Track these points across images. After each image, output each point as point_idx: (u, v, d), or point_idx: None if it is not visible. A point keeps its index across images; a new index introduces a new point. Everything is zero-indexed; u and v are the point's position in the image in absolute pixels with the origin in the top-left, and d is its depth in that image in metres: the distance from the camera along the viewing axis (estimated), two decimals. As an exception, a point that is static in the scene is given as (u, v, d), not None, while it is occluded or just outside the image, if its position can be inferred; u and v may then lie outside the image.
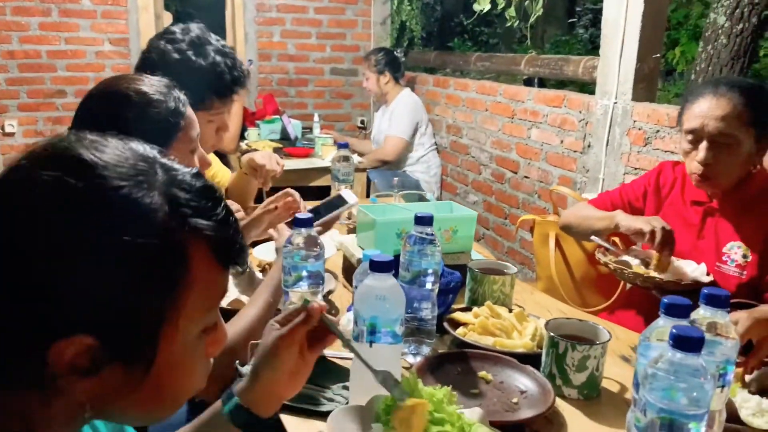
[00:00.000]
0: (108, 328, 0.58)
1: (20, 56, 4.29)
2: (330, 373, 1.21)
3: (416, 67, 5.02)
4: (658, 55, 2.78)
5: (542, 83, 4.67)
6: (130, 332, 0.60)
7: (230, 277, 1.63)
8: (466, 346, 1.39)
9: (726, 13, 3.53)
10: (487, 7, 3.70)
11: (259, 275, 1.69)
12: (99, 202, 0.58)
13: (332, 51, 5.07)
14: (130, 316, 0.59)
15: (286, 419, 1.14)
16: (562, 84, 4.70)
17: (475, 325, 1.45)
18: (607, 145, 2.89)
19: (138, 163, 0.62)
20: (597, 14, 3.70)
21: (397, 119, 4.10)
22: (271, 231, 1.61)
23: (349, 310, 1.46)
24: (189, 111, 1.37)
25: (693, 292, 1.18)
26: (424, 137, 4.21)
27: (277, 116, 4.25)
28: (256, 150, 2.20)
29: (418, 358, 1.34)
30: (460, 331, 1.44)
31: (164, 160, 0.66)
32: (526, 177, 3.56)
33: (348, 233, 2.13)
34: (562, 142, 3.24)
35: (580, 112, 3.09)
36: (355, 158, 3.76)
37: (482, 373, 1.29)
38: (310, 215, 1.29)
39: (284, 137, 4.16)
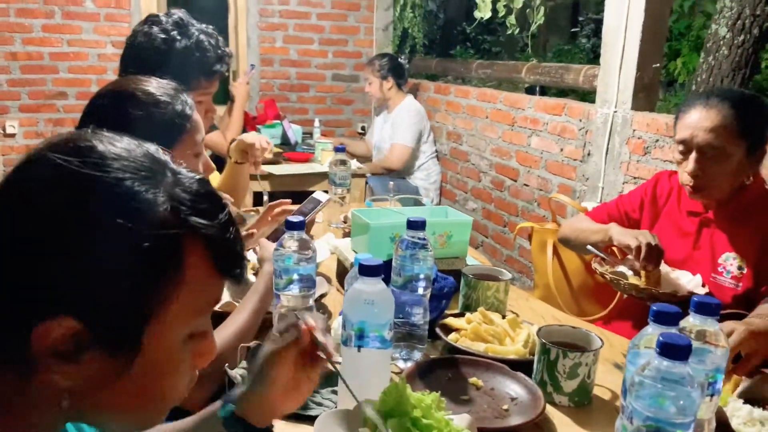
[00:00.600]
0: (94, 313, 0.58)
1: (23, 57, 4.30)
2: (319, 378, 1.20)
3: (418, 74, 5.03)
4: (658, 64, 2.78)
5: (544, 92, 4.67)
6: (116, 321, 0.59)
7: (223, 280, 1.64)
8: (457, 352, 1.38)
9: (727, 25, 3.53)
10: (488, 14, 3.71)
11: (254, 279, 1.68)
12: (100, 188, 0.60)
13: (334, 57, 5.08)
14: (118, 305, 0.59)
15: (275, 422, 1.13)
16: (563, 93, 4.70)
17: (467, 330, 1.44)
18: (606, 153, 2.89)
19: (148, 162, 0.64)
20: (599, 24, 3.70)
21: (401, 127, 4.10)
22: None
23: (341, 314, 1.45)
24: (195, 116, 1.39)
25: (688, 303, 1.17)
26: (426, 145, 4.21)
27: (278, 121, 4.26)
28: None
29: (409, 364, 1.33)
30: (452, 337, 1.43)
31: (174, 166, 0.67)
32: (525, 185, 3.56)
33: (343, 237, 2.13)
34: (561, 150, 3.23)
35: (581, 120, 3.09)
36: (354, 163, 3.77)
37: (473, 380, 1.29)
38: (302, 218, 1.28)
39: (285, 142, 4.17)
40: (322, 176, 3.49)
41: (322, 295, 1.55)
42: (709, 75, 3.57)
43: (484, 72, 4.19)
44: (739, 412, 1.16)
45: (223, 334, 1.22)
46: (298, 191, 3.08)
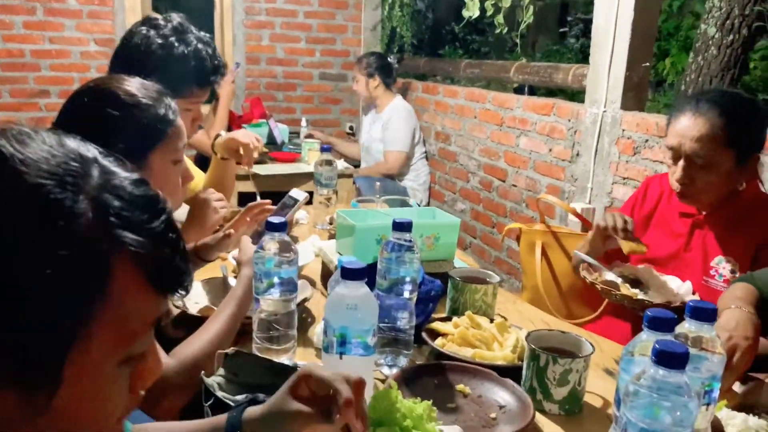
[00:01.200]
0: (4, 350, 0.51)
1: (3, 55, 4.22)
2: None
3: (406, 73, 4.99)
4: (648, 63, 2.76)
5: (533, 91, 4.64)
6: (30, 354, 0.52)
7: (201, 285, 1.58)
8: (444, 358, 1.33)
9: (717, 24, 3.52)
10: (477, 13, 3.67)
11: (234, 283, 1.63)
12: (8, 199, 0.52)
13: (321, 56, 5.03)
14: (31, 335, 0.51)
15: None
16: (552, 93, 4.68)
17: (454, 335, 1.40)
18: (595, 154, 2.86)
19: (69, 162, 0.55)
20: (588, 24, 3.68)
21: (394, 132, 4.05)
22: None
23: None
24: (179, 122, 1.35)
25: (682, 312, 1.14)
26: (416, 146, 4.17)
27: (264, 120, 4.20)
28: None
29: (395, 370, 1.28)
30: (438, 342, 1.39)
31: (105, 162, 0.59)
32: (514, 185, 3.52)
33: (329, 239, 2.08)
34: (550, 150, 3.20)
35: (569, 120, 3.06)
36: (341, 163, 3.72)
37: (460, 386, 1.24)
38: (283, 219, 1.24)
39: (271, 141, 4.11)
40: (309, 176, 3.43)
41: (305, 300, 1.50)
42: (698, 75, 3.57)
43: (473, 72, 4.15)
44: (733, 420, 1.13)
45: (199, 341, 1.17)
46: (285, 192, 3.02)
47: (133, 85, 1.29)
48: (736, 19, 3.41)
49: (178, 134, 1.35)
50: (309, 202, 2.47)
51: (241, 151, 2.03)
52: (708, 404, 0.94)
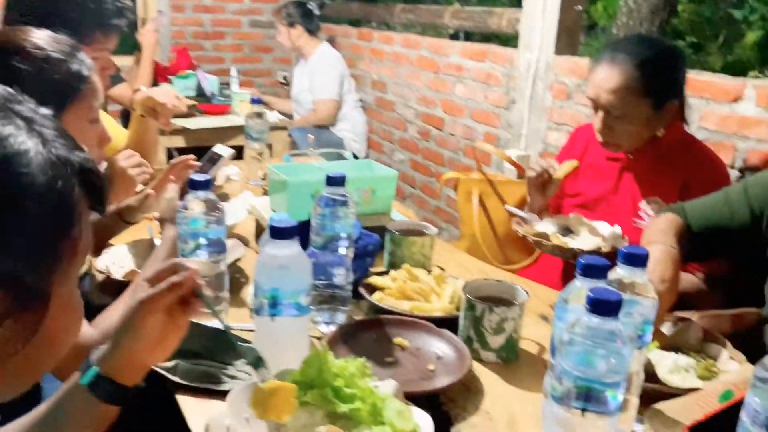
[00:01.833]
0: (13, 275, 0.55)
1: None
2: (233, 349, 1.12)
3: (339, 19, 4.84)
4: (581, 7, 2.75)
5: (468, 38, 4.59)
6: (31, 277, 0.57)
7: (127, 247, 1.50)
8: (382, 312, 1.32)
9: (646, -32, 3.54)
10: (410, -44, 3.56)
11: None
12: None
13: (251, 2, 4.82)
14: (32, 261, 0.57)
15: (183, 400, 1.04)
16: (487, 39, 4.64)
17: (392, 289, 1.38)
18: (530, 100, 2.86)
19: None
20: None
21: (320, 79, 3.94)
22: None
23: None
24: (94, 77, 1.27)
25: (613, 257, 1.15)
26: (348, 94, 4.07)
27: (192, 71, 4.01)
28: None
29: (332, 327, 1.26)
30: (376, 297, 1.37)
31: (12, 104, 0.60)
32: (451, 134, 3.51)
33: (263, 195, 2.01)
34: (486, 97, 3.19)
35: (504, 66, 3.04)
36: (274, 115, 3.60)
37: (398, 340, 1.23)
38: (207, 176, 1.17)
39: (200, 93, 3.94)
40: (241, 129, 3.30)
41: (237, 260, 1.45)
42: (629, 18, 3.60)
43: (407, 17, 4.06)
44: (664, 360, 1.16)
45: (121, 309, 1.11)
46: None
47: (43, 38, 1.20)
48: (665, -38, 3.43)
49: (94, 92, 1.27)
50: (239, 158, 2.38)
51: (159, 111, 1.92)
52: (640, 348, 0.95)
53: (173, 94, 1.94)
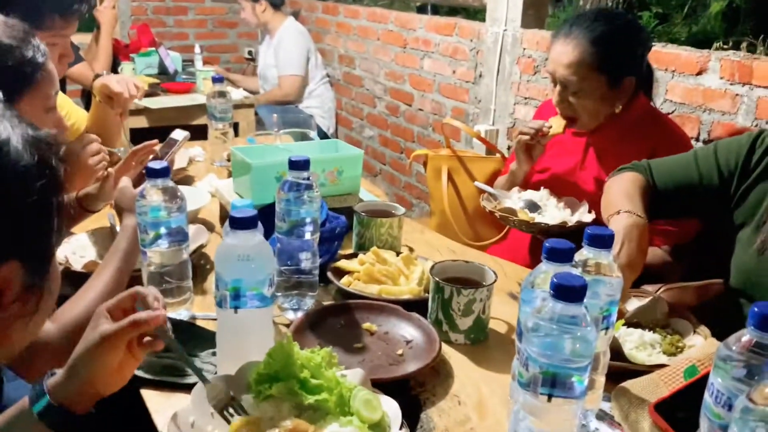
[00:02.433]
0: (28, 251, 0.66)
1: None
2: (197, 340, 1.10)
3: (304, -7, 4.74)
4: (547, -21, 2.72)
5: (436, 11, 4.53)
6: (41, 251, 0.68)
7: (87, 236, 1.46)
8: (350, 296, 1.30)
9: (612, -63, 3.51)
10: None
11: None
12: None
13: (213, -24, 4.69)
14: (40, 236, 0.67)
15: (147, 394, 1.02)
16: (454, 11, 4.59)
17: (360, 273, 1.37)
18: (497, 74, 2.84)
19: None
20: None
21: (285, 55, 3.87)
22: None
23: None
24: (49, 65, 1.21)
25: (579, 232, 1.15)
26: (315, 69, 4.01)
27: (154, 48, 3.90)
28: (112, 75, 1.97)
29: (299, 314, 1.24)
30: (344, 281, 1.35)
31: None
32: (420, 109, 3.48)
33: (228, 177, 1.97)
34: (454, 72, 3.16)
35: (471, 40, 3.01)
36: (239, 92, 3.53)
37: (366, 325, 1.22)
38: (165, 163, 1.13)
39: (163, 71, 3.84)
40: (206, 108, 3.24)
41: (201, 246, 1.42)
42: (596, -10, 3.58)
43: (374, -10, 3.99)
44: (630, 336, 1.17)
45: (80, 302, 1.08)
46: (179, 125, 2.84)
47: None
48: (631, -69, 3.41)
49: (49, 79, 1.22)
50: (204, 138, 2.33)
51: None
52: (606, 329, 0.95)
53: (131, 82, 1.87)
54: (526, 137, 1.74)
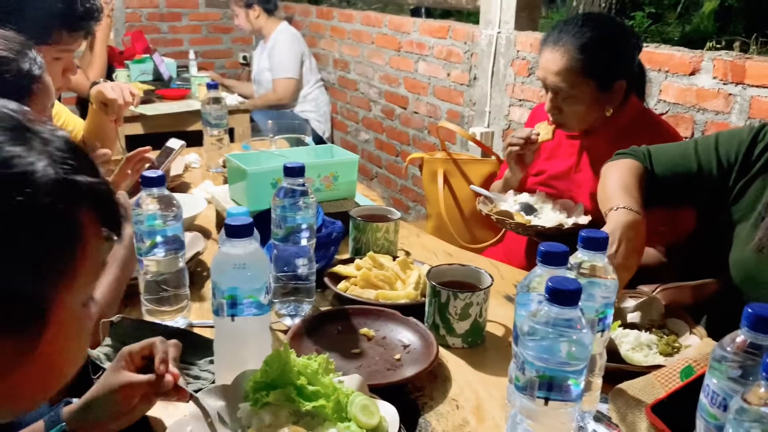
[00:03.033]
0: (7, 291, 0.54)
1: None
2: (195, 348, 1.10)
3: (298, -3, 4.75)
4: (540, -19, 2.73)
5: (430, 14, 4.55)
6: (23, 299, 0.55)
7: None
8: (347, 302, 1.31)
9: (604, -62, 3.53)
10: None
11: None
12: None
13: (206, -19, 4.70)
14: (24, 282, 0.55)
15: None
16: (448, 14, 4.60)
17: (357, 278, 1.37)
18: (492, 76, 2.84)
19: (8, 122, 0.57)
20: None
21: (279, 58, 3.87)
22: None
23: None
24: (46, 77, 1.22)
25: (575, 234, 1.15)
26: (309, 73, 4.01)
27: (148, 55, 3.90)
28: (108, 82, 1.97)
29: (297, 320, 1.24)
30: (341, 286, 1.36)
31: (28, 123, 0.59)
32: (415, 112, 3.48)
33: (224, 183, 1.97)
34: (448, 74, 3.17)
35: (465, 43, 3.02)
36: (234, 98, 3.53)
37: (364, 330, 1.22)
38: (160, 172, 1.13)
39: (157, 78, 3.84)
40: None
41: (197, 254, 1.42)
42: (589, -9, 3.59)
43: (367, -6, 4.00)
44: (626, 338, 1.17)
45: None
46: (174, 132, 2.84)
47: None
48: (622, -68, 3.42)
49: (46, 91, 1.22)
50: (199, 144, 2.33)
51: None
52: (602, 331, 0.95)
53: (126, 89, 1.87)
54: (516, 148, 1.75)
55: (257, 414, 0.87)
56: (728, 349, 0.75)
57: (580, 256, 0.96)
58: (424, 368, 1.08)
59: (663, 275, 1.61)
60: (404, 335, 1.21)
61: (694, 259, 1.65)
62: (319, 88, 4.10)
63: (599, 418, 1.01)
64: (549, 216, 1.66)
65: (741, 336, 0.75)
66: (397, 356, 1.15)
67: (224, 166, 2.06)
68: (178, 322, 1.20)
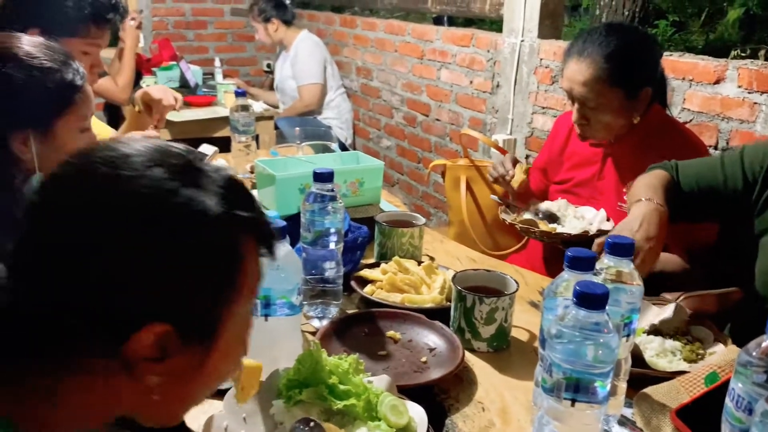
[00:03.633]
0: (182, 315, 0.61)
1: None
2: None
3: (322, 5, 4.80)
4: (563, -10, 2.75)
5: (452, 22, 4.57)
6: (200, 317, 0.63)
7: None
8: (373, 305, 1.33)
9: (628, -53, 3.53)
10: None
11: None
12: (161, 202, 0.60)
13: (231, -10, 4.77)
14: (201, 303, 0.63)
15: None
16: (471, 22, 4.63)
17: (383, 282, 1.39)
18: (515, 84, 2.86)
19: (179, 161, 0.63)
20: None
21: (302, 66, 3.92)
22: None
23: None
24: (87, 87, 1.26)
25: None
26: (331, 79, 4.06)
27: (175, 62, 3.98)
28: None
29: (325, 322, 1.27)
30: (367, 290, 1.38)
31: (191, 157, 0.66)
32: (437, 120, 3.51)
33: (252, 189, 2.01)
34: (471, 82, 3.19)
35: (488, 51, 3.04)
36: (260, 105, 3.59)
37: (390, 333, 1.25)
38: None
39: (183, 85, 3.91)
40: (227, 121, 3.28)
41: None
42: (611, -1, 3.60)
43: (390, 2, 4.04)
44: (651, 344, 1.18)
45: None
46: (201, 139, 2.89)
47: (36, 46, 1.18)
48: (646, -59, 3.43)
49: (86, 101, 1.27)
50: (227, 150, 2.38)
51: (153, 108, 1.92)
52: (628, 336, 0.97)
53: (170, 92, 1.94)
54: (490, 178, 1.86)
55: (290, 411, 0.90)
56: (753, 354, 0.77)
57: (606, 261, 0.97)
58: (450, 371, 1.10)
59: (686, 283, 1.61)
60: (430, 338, 1.23)
61: (717, 267, 1.65)
62: (342, 95, 4.14)
63: (623, 421, 1.02)
64: (572, 223, 1.68)
65: (766, 341, 0.77)
66: (424, 359, 1.18)
67: (252, 172, 2.10)
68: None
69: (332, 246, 1.27)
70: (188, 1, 4.65)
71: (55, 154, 1.18)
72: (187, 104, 3.54)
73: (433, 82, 3.49)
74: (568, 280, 0.94)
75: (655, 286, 1.30)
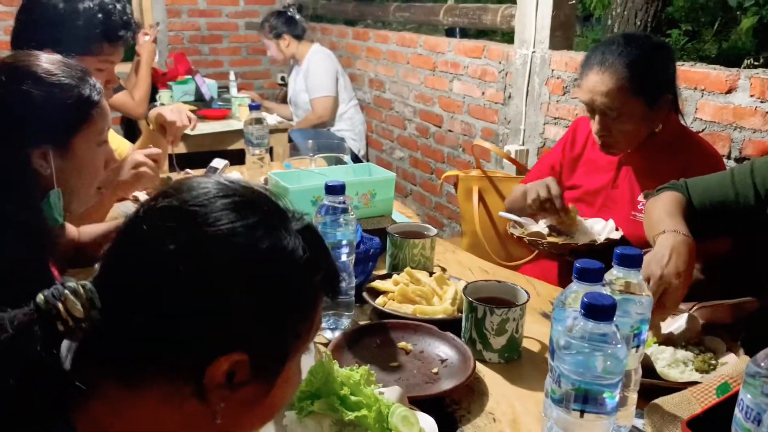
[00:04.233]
0: (260, 347, 0.66)
1: None
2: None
3: (334, 19, 4.85)
4: (574, 1, 2.76)
5: (464, 33, 4.60)
6: (275, 352, 0.68)
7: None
8: (385, 316, 1.34)
9: (639, -43, 3.53)
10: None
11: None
12: (255, 248, 0.65)
13: (246, 4, 4.84)
14: (278, 338, 0.68)
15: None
16: (483, 34, 4.64)
17: (394, 293, 1.40)
18: (527, 95, 2.87)
19: (269, 207, 0.69)
20: (515, -40, 3.62)
21: (315, 78, 3.96)
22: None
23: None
24: (103, 102, 1.29)
25: (608, 248, 1.17)
26: (344, 91, 4.09)
27: (190, 76, 4.03)
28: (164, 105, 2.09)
29: (337, 333, 1.29)
30: (379, 301, 1.40)
31: (277, 202, 0.71)
32: (449, 131, 3.53)
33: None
34: (483, 93, 3.20)
35: (500, 62, 3.05)
36: (273, 118, 3.63)
37: (402, 344, 1.26)
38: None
39: (199, 98, 3.96)
40: (242, 134, 3.33)
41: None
42: (624, 8, 3.59)
43: (402, 15, 4.07)
44: (662, 354, 1.18)
45: (94, 228, 1.25)
46: (216, 152, 2.93)
47: (54, 63, 1.20)
48: (657, -49, 3.43)
49: (103, 116, 1.29)
50: (241, 162, 2.41)
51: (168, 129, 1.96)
52: (637, 346, 0.97)
53: (184, 112, 1.97)
54: (534, 203, 1.72)
55: (302, 422, 0.91)
56: (762, 364, 0.77)
57: (614, 272, 0.98)
58: (462, 382, 1.10)
59: (700, 293, 1.60)
60: (441, 349, 1.24)
61: (731, 277, 1.64)
62: (355, 107, 4.17)
63: (635, 433, 1.02)
64: (580, 235, 1.68)
65: (775, 352, 0.77)
66: (435, 370, 1.18)
67: (265, 184, 2.12)
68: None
69: (344, 257, 1.29)
70: (204, 15, 4.72)
71: (74, 168, 1.20)
72: (202, 117, 3.60)
73: (445, 94, 3.51)
74: (577, 291, 0.94)
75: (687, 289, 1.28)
